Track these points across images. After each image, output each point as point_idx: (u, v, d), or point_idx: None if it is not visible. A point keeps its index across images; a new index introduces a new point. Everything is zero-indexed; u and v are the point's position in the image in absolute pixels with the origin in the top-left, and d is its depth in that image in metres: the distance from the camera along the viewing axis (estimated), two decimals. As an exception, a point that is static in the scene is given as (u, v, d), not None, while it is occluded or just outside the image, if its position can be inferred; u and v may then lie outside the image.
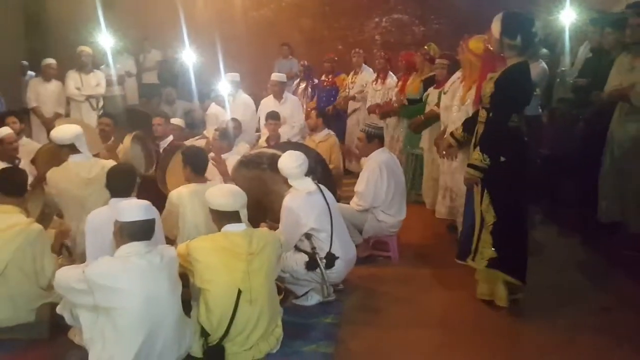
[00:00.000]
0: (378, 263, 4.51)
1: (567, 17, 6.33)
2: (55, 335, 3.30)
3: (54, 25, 11.04)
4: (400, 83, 6.56)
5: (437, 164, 5.24)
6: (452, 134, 4.19)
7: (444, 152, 4.30)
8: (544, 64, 5.37)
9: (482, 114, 3.65)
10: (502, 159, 3.50)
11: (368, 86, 7.31)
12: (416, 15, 8.37)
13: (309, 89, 7.96)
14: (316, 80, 8.08)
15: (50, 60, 7.54)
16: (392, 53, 7.13)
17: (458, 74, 4.89)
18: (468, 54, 4.33)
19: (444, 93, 4.93)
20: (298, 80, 8.13)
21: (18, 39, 11.82)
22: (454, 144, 4.15)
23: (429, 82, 5.79)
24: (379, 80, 7.08)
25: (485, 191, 3.59)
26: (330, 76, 7.93)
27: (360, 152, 4.74)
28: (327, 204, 3.69)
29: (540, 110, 5.73)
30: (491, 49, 3.84)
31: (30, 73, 9.85)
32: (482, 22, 4.70)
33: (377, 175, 4.41)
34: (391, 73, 7.16)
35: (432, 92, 5.53)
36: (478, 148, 3.56)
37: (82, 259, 3.88)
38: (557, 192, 5.71)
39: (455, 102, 4.51)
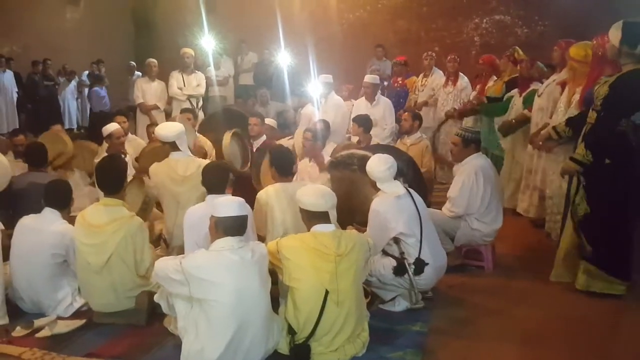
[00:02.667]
0: (470, 272, 4.35)
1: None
2: (151, 322, 3.49)
3: (161, 29, 11.80)
4: (479, 86, 6.68)
5: (521, 163, 5.47)
6: (554, 127, 4.39)
7: (540, 144, 4.52)
8: None
9: (592, 115, 3.76)
10: (607, 161, 3.65)
11: (439, 89, 7.31)
12: (519, 16, 7.98)
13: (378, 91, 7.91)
14: (385, 83, 8.02)
15: (152, 60, 8.07)
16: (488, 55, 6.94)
17: (554, 76, 5.15)
18: (570, 61, 4.57)
19: (538, 95, 5.20)
20: None
21: (127, 41, 12.80)
22: (554, 136, 4.36)
23: (511, 84, 5.97)
24: (450, 83, 7.15)
25: (582, 186, 3.81)
26: (400, 78, 7.85)
27: (454, 157, 4.57)
28: (417, 208, 3.61)
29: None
30: (599, 54, 4.09)
31: (137, 73, 10.61)
32: (589, 26, 4.67)
33: (473, 181, 4.25)
34: (462, 74, 7.15)
35: (517, 97, 5.71)
36: (583, 144, 3.73)
37: (178, 251, 4.11)
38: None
39: (561, 105, 4.66)
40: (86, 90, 12.04)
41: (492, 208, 4.32)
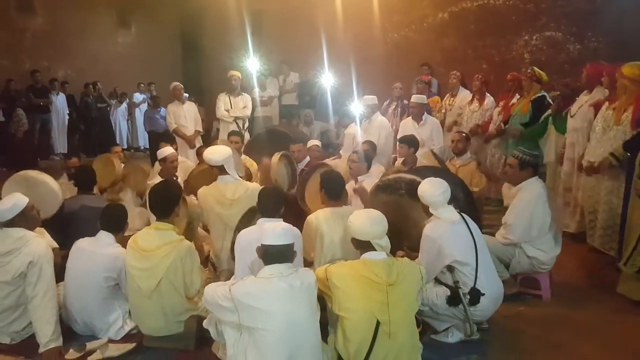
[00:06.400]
0: (527, 301, 4.14)
1: None
2: (200, 347, 3.46)
3: (208, 51, 12.06)
4: (502, 102, 6.80)
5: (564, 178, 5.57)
6: (612, 153, 4.56)
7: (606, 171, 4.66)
8: None
9: None
10: None
11: (464, 107, 7.35)
12: (571, 32, 7.71)
13: (399, 109, 7.84)
14: (406, 101, 7.91)
15: (177, 84, 8.10)
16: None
17: (585, 97, 5.37)
18: (622, 80, 4.66)
19: (571, 116, 5.42)
20: (389, 100, 8.03)
21: (176, 64, 13.17)
22: (614, 162, 4.54)
23: (537, 103, 6.17)
24: (476, 101, 7.23)
25: None
26: None
27: (509, 179, 4.40)
28: (472, 235, 3.47)
29: None
30: None
31: (185, 95, 10.83)
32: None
33: (533, 208, 4.06)
34: (488, 94, 7.19)
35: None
36: None
37: (226, 274, 4.10)
38: None
39: (598, 124, 4.85)
40: (137, 110, 12.40)
41: (550, 235, 4.12)
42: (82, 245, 3.70)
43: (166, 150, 5.46)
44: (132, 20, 13.09)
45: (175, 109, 7.95)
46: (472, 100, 7.29)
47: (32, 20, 11.30)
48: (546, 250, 4.10)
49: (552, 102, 6.15)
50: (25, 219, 3.59)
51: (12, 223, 3.53)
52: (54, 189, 4.42)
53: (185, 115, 7.91)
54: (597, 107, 5.05)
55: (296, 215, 4.38)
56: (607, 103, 4.89)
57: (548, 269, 4.19)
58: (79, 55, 11.71)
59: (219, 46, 11.40)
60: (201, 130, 8.09)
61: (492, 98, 7.16)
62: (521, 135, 6.20)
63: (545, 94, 6.26)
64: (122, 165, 5.73)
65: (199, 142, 7.93)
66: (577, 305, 4.09)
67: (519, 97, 6.58)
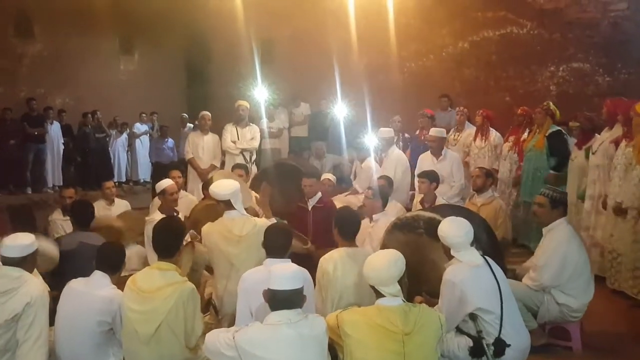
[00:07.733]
0: (556, 354, 4.07)
1: None
2: (199, 399, 3.40)
3: (214, 80, 12.21)
4: (513, 137, 6.97)
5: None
6: None
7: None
8: None
9: None
10: None
11: (470, 144, 7.50)
12: (600, 64, 7.80)
13: (400, 143, 7.98)
14: (407, 135, 8.02)
15: (205, 113, 8.14)
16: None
17: (606, 134, 5.53)
18: (638, 118, 4.82)
19: (593, 153, 5.59)
20: None
21: (180, 92, 13.33)
22: None
23: (554, 138, 6.35)
24: (481, 137, 7.36)
25: None
26: (425, 131, 7.78)
27: (539, 220, 4.39)
28: (497, 280, 3.43)
29: None
30: None
31: (189, 125, 10.93)
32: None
33: (566, 249, 4.04)
34: (493, 129, 7.35)
35: (577, 153, 6.04)
36: None
37: (229, 319, 4.05)
38: None
39: (620, 162, 5.02)
40: (137, 142, 12.51)
41: (583, 280, 4.08)
42: (75, 286, 3.64)
43: (164, 183, 5.45)
44: (135, 47, 13.29)
45: (195, 138, 7.99)
46: (476, 136, 7.39)
47: (30, 45, 11.48)
48: (577, 297, 4.05)
49: (568, 136, 6.22)
50: (31, 261, 3.57)
51: (17, 262, 3.48)
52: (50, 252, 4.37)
53: (203, 147, 7.91)
54: (617, 143, 5.21)
55: (307, 259, 4.34)
56: (624, 140, 5.10)
57: (579, 318, 4.13)
58: (78, 83, 11.84)
59: (226, 74, 11.56)
60: (217, 165, 8.00)
61: (498, 133, 7.28)
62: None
63: (561, 128, 6.38)
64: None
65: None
66: (610, 357, 4.03)
67: (529, 131, 6.71)
